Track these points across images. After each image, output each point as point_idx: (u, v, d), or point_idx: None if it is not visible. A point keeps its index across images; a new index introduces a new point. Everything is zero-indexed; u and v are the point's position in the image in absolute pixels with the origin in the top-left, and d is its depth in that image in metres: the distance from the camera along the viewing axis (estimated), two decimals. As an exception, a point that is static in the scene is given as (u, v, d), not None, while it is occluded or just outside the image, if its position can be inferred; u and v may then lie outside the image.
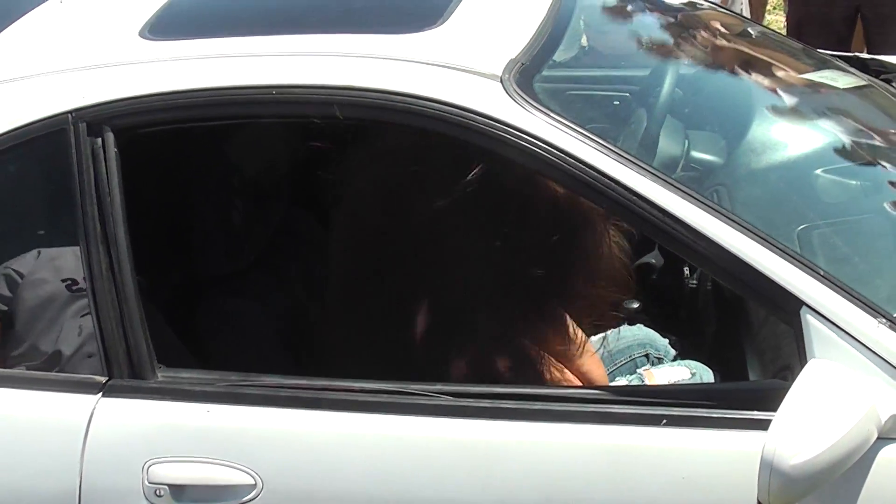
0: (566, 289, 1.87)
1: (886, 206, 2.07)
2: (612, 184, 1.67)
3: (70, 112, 1.79)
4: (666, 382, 2.05)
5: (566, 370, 1.91)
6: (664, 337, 2.28)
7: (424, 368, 1.81)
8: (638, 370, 2.13)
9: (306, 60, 1.83)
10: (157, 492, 1.70)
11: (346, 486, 1.69)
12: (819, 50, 2.80)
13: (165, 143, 1.91)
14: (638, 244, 2.46)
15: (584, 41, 2.30)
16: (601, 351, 2.22)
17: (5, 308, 1.90)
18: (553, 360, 1.89)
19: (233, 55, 1.85)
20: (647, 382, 2.07)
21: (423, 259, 1.83)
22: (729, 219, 1.66)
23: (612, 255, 1.86)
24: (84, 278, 1.77)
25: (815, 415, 1.50)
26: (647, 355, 2.20)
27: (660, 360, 2.19)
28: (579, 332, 1.93)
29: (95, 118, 1.78)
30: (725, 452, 1.62)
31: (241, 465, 1.69)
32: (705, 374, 2.06)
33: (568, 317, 1.89)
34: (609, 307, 1.93)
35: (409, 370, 1.78)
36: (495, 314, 1.83)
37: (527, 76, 1.79)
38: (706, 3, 2.82)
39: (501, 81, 1.74)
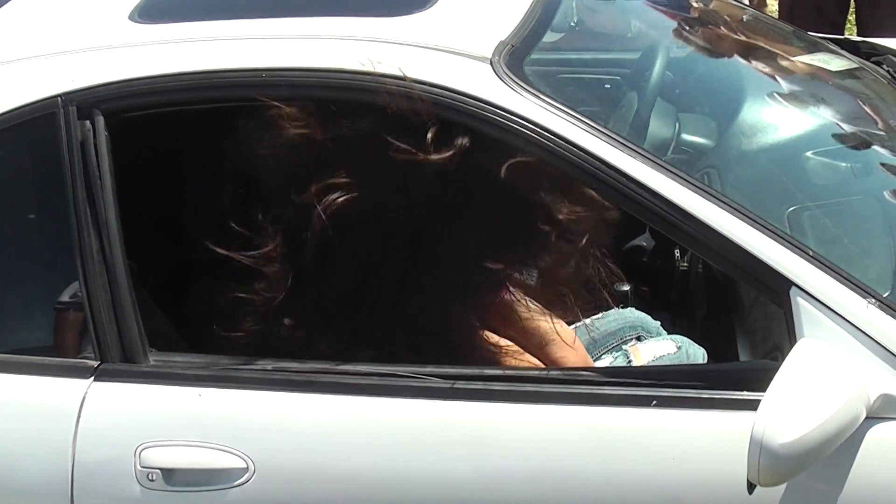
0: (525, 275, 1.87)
1: (878, 188, 2.08)
2: (603, 166, 1.67)
3: (60, 95, 1.79)
4: (652, 357, 2.06)
5: (526, 355, 1.92)
6: (655, 319, 2.28)
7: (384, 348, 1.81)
8: (624, 347, 2.14)
9: (296, 43, 1.83)
10: (150, 476, 1.70)
11: (338, 468, 1.70)
12: (810, 33, 2.80)
13: (156, 127, 1.90)
14: (629, 226, 2.47)
15: (574, 24, 2.30)
16: (592, 334, 2.22)
17: None
18: (509, 346, 1.90)
19: (222, 38, 1.85)
20: (633, 358, 2.07)
21: (394, 237, 1.82)
22: (719, 200, 1.66)
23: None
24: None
25: (805, 394, 1.50)
26: (638, 337, 2.21)
27: (651, 342, 2.19)
28: (545, 323, 1.93)
29: (85, 101, 1.78)
30: (715, 433, 1.62)
31: (233, 449, 1.70)
32: (691, 349, 2.07)
33: (526, 305, 1.90)
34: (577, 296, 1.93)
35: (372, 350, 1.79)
36: (451, 294, 1.84)
37: (517, 58, 1.79)
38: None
39: (491, 63, 1.74)
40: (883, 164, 2.15)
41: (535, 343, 1.92)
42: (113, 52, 1.85)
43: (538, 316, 1.91)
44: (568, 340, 1.96)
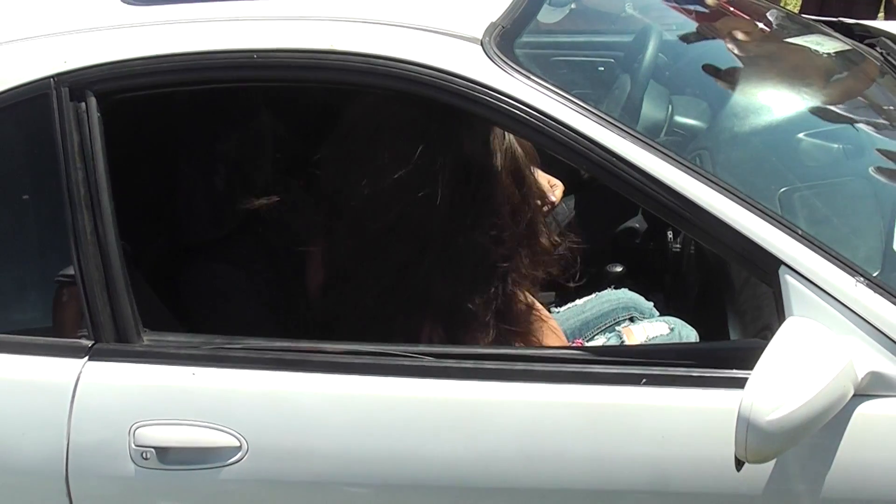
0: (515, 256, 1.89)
1: (868, 168, 2.09)
2: (595, 147, 1.68)
3: (52, 77, 1.79)
4: (644, 338, 2.07)
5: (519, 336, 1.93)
6: (648, 300, 2.30)
7: (396, 334, 1.82)
8: (617, 328, 2.15)
9: (288, 24, 1.83)
10: (144, 454, 1.71)
11: (330, 447, 1.71)
12: (803, 15, 2.80)
13: (149, 108, 1.91)
14: (621, 208, 2.48)
15: (567, 5, 2.30)
16: (585, 314, 2.24)
17: None
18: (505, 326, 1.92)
19: (214, 19, 1.85)
20: (626, 339, 2.08)
21: (388, 224, 1.83)
22: (710, 181, 1.66)
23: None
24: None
25: (792, 371, 1.51)
26: (631, 318, 2.22)
27: (643, 323, 2.20)
28: (533, 303, 1.94)
29: (78, 83, 1.78)
30: (705, 410, 1.63)
31: (226, 428, 1.71)
32: (683, 330, 2.08)
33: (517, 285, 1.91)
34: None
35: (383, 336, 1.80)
36: (447, 278, 1.85)
37: (507, 39, 1.79)
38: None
39: (482, 44, 1.75)
40: (874, 146, 2.16)
41: (522, 325, 1.93)
42: (105, 34, 1.85)
43: (523, 298, 1.92)
44: (551, 324, 1.98)
